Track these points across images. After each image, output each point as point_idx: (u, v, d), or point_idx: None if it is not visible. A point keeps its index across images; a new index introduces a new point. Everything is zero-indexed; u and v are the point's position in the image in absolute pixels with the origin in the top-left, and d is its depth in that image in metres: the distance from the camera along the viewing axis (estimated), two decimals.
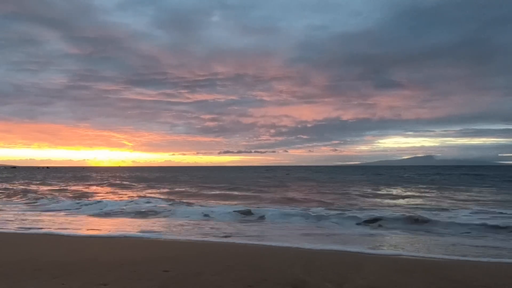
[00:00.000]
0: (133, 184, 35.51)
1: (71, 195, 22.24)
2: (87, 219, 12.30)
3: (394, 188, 28.17)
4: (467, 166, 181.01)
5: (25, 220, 11.56)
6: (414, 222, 10.83)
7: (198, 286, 4.19)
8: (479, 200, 18.39)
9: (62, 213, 14.10)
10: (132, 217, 12.59)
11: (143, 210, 13.97)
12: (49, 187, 29.92)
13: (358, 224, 10.95)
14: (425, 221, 10.85)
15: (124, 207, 14.89)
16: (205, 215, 12.70)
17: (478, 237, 8.89)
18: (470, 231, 9.68)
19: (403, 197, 20.63)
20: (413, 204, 16.82)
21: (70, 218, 12.27)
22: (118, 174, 69.13)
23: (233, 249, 6.93)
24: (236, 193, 24.47)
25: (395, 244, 8.06)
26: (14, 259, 5.50)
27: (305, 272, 4.83)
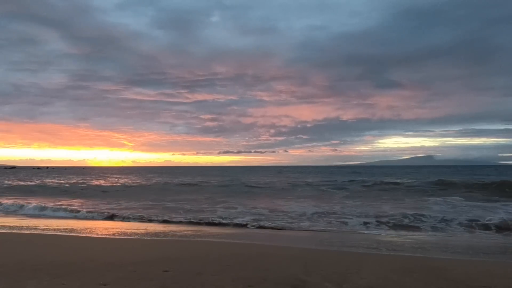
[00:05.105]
0: None
1: None
2: None
3: None
4: (466, 166, 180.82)
5: None
6: None
7: (198, 286, 4.18)
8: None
9: None
10: None
11: None
12: None
13: None
14: None
15: None
16: None
17: None
18: None
19: None
20: None
21: None
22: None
23: (233, 249, 6.92)
24: None
25: None
26: (14, 259, 5.49)
27: (305, 272, 4.83)
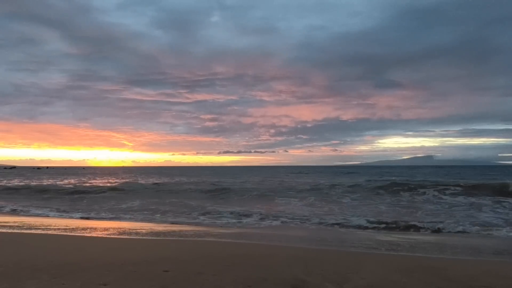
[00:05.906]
0: None
1: None
2: None
3: None
4: (466, 166, 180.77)
5: None
6: None
7: (198, 286, 4.18)
8: None
9: None
10: None
11: None
12: None
13: None
14: None
15: None
16: None
17: None
18: None
19: None
20: None
21: None
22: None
23: (233, 249, 6.92)
24: None
25: None
26: (14, 259, 5.49)
27: (305, 272, 4.83)
